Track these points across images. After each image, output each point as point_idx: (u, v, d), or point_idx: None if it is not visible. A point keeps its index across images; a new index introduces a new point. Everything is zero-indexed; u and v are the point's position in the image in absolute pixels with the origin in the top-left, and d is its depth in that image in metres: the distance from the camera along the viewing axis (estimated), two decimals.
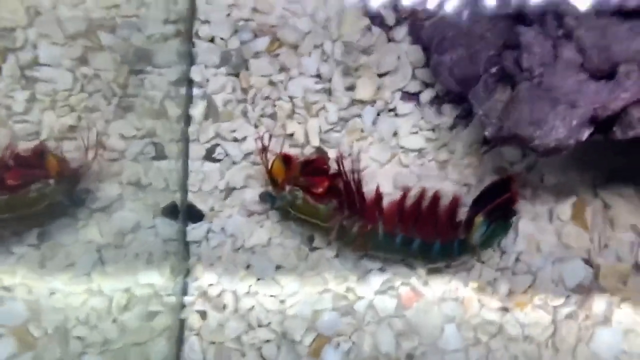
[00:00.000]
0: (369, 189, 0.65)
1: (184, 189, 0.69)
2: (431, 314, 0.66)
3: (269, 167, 0.64)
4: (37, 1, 0.69)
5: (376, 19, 0.71)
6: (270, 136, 0.67)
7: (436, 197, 0.65)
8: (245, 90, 0.71)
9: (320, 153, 0.69)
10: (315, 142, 0.69)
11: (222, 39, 0.72)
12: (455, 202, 0.65)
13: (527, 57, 0.55)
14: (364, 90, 0.69)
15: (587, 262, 0.66)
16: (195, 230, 0.69)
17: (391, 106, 0.70)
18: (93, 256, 0.66)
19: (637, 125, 0.52)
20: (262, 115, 0.70)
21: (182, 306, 0.68)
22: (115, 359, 0.64)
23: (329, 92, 0.70)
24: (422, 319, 0.66)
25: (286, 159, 0.64)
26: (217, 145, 0.70)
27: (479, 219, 0.63)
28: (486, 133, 0.57)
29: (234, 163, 0.70)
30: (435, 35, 0.65)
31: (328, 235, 0.65)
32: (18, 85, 0.68)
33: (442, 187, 0.67)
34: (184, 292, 0.68)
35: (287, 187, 0.63)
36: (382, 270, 0.67)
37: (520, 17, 0.59)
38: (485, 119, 0.58)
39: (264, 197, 0.68)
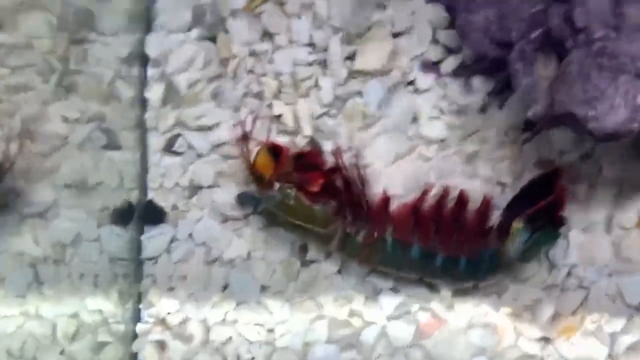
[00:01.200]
0: (376, 190, 0.59)
1: (142, 187, 0.62)
2: (456, 344, 0.58)
3: (253, 159, 0.57)
4: None
5: None
6: (255, 120, 0.60)
7: (462, 199, 0.57)
8: (224, 62, 0.62)
9: (314, 144, 0.61)
10: (307, 130, 0.61)
11: None
12: (485, 205, 0.57)
13: (581, 12, 0.49)
14: (371, 58, 0.61)
15: None
16: (153, 240, 0.61)
17: (408, 78, 0.62)
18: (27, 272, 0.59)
19: None
20: (245, 95, 0.62)
21: (135, 337, 0.61)
22: None
23: (323, 64, 0.62)
24: (444, 351, 0.58)
25: (275, 150, 0.57)
26: (179, 135, 0.63)
27: (518, 225, 0.55)
28: (530, 114, 0.51)
29: (199, 156, 0.62)
30: None
31: (327, 245, 0.58)
32: None
33: (469, 186, 0.59)
34: (137, 320, 0.61)
35: (276, 185, 0.57)
36: (394, 290, 0.59)
37: None
38: (528, 96, 0.52)
39: (244, 199, 0.60)
